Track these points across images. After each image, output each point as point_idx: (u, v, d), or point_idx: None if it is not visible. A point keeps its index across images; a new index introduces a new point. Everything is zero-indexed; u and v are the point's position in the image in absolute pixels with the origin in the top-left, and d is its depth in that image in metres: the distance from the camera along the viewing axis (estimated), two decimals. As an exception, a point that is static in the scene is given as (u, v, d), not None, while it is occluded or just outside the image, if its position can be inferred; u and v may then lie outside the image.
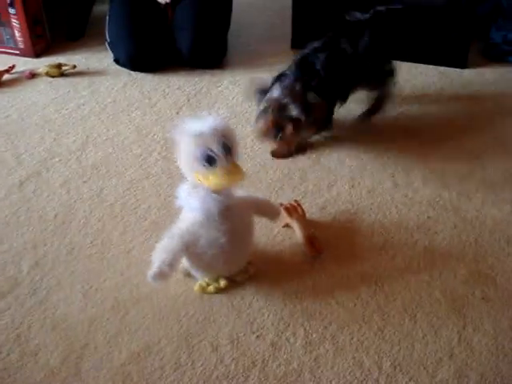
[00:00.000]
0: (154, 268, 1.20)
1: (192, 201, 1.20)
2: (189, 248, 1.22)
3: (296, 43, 2.24)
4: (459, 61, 2.14)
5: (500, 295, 1.31)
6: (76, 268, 1.41)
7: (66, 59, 2.21)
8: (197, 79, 2.09)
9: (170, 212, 1.53)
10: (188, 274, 1.34)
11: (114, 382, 1.17)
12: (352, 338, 1.23)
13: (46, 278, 1.38)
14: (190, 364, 1.19)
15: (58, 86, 2.08)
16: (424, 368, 1.17)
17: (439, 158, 1.71)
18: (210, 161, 1.13)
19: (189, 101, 1.98)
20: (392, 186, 1.62)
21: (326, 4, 2.23)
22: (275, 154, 1.73)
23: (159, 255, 1.21)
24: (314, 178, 1.65)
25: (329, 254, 1.41)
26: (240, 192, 1.29)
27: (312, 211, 1.54)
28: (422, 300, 1.31)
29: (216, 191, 1.19)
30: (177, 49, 2.10)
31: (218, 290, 1.31)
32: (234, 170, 1.16)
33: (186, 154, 1.16)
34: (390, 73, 1.80)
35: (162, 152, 1.76)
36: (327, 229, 1.49)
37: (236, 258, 1.30)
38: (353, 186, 1.62)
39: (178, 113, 1.93)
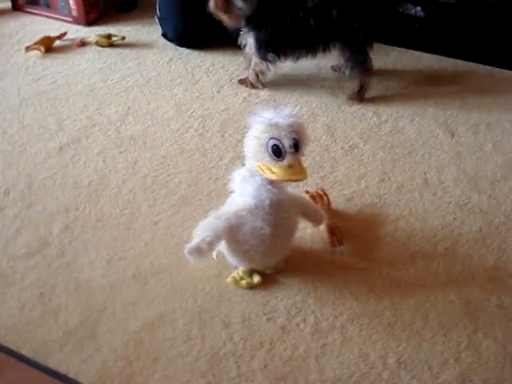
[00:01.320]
0: (192, 242, 1.21)
1: (246, 186, 1.21)
2: (232, 232, 1.22)
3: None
4: (509, 62, 2.09)
5: (516, 304, 1.30)
6: (103, 235, 1.46)
7: (116, 30, 2.26)
8: (242, 59, 2.10)
9: (200, 189, 1.58)
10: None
11: (126, 346, 1.22)
12: (361, 331, 1.25)
13: (74, 241, 1.44)
14: (200, 338, 1.23)
15: (106, 55, 2.13)
16: (428, 368, 1.18)
17: (474, 160, 1.68)
18: (278, 153, 1.14)
19: (231, 80, 2.01)
20: (422, 183, 1.61)
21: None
22: (242, 82, 1.94)
23: (201, 232, 1.22)
24: (345, 168, 1.65)
25: (349, 246, 1.42)
26: (291, 190, 1.30)
27: (338, 201, 1.55)
28: (436, 300, 1.31)
29: (272, 183, 1.20)
30: (225, 27, 2.12)
31: (251, 286, 1.32)
32: (299, 168, 1.16)
33: (256, 142, 1.17)
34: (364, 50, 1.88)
35: (199, 129, 1.79)
36: (351, 220, 1.50)
37: (275, 252, 1.30)
38: (382, 180, 1.62)
39: (218, 91, 1.95)
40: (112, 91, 1.95)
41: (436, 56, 2.12)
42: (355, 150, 1.72)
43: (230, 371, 1.18)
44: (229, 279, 1.33)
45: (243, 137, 1.71)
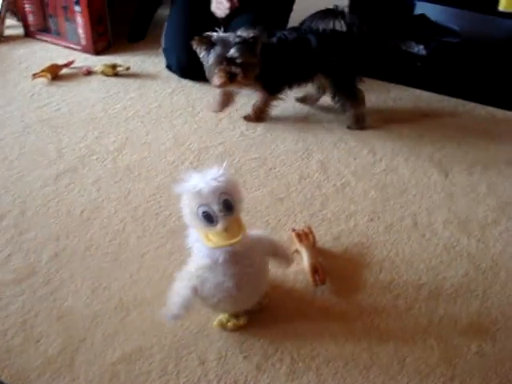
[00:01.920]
0: (168, 310, 1.21)
1: (200, 245, 1.18)
2: (197, 290, 1.21)
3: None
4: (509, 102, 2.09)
5: (496, 352, 1.29)
6: (90, 264, 1.48)
7: (123, 60, 2.31)
8: (242, 93, 2.13)
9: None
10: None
11: (102, 378, 1.23)
12: (336, 373, 1.24)
13: (61, 270, 1.47)
14: (175, 373, 1.24)
15: (110, 85, 2.18)
16: (401, 414, 1.18)
17: (466, 202, 1.68)
18: (209, 219, 1.11)
19: (230, 114, 2.04)
20: (411, 224, 1.61)
21: (378, 31, 2.23)
22: (247, 118, 1.98)
23: (173, 297, 1.21)
24: (335, 206, 1.66)
25: (332, 285, 1.43)
26: (256, 232, 1.28)
27: (325, 240, 1.56)
28: (415, 345, 1.30)
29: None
30: None
31: (237, 327, 1.31)
32: (235, 230, 1.13)
33: (188, 210, 1.14)
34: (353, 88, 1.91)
35: (194, 162, 1.81)
36: (336, 259, 1.50)
37: (245, 299, 1.27)
38: (372, 220, 1.62)
39: (217, 125, 1.98)
40: (112, 121, 1.99)
41: (436, 95, 2.13)
42: (347, 188, 1.73)
43: (202, 409, 1.18)
44: (215, 322, 1.31)
45: (236, 170, 1.77)
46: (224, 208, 1.11)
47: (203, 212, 1.11)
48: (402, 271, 1.47)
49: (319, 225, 1.59)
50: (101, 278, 1.45)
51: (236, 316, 1.31)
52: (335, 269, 1.47)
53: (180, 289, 1.21)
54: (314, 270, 1.43)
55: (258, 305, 1.34)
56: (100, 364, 1.26)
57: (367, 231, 1.59)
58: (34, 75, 2.16)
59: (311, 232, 1.52)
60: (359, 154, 1.86)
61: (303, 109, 2.07)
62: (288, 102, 2.07)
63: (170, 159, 1.82)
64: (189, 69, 2.16)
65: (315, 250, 1.48)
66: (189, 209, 1.13)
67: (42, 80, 2.17)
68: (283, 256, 1.33)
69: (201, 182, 1.11)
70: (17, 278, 1.44)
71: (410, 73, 2.19)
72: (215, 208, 1.10)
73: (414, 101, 2.11)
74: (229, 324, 1.31)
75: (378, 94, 2.14)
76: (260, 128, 1.97)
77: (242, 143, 1.90)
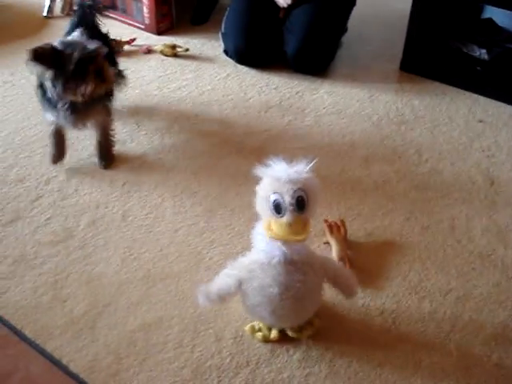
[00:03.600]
0: (204, 291, 1.21)
1: (259, 241, 1.16)
2: (242, 284, 1.19)
3: (405, 65, 2.22)
4: None
5: (517, 366, 1.26)
6: (125, 234, 1.53)
7: (183, 41, 2.35)
8: (296, 83, 2.14)
9: (225, 203, 1.62)
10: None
11: (120, 343, 1.27)
12: (349, 367, 1.24)
13: (96, 236, 1.52)
14: (190, 347, 1.27)
15: (167, 65, 2.23)
16: (409, 415, 1.16)
17: (508, 212, 1.63)
18: (278, 209, 1.08)
19: (281, 102, 2.04)
20: (448, 228, 1.57)
21: (442, 32, 2.19)
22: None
23: (215, 281, 1.21)
24: (373, 202, 1.65)
25: (357, 279, 1.40)
26: (325, 256, 1.28)
27: (358, 235, 1.54)
28: (433, 348, 1.28)
29: (285, 241, 1.12)
30: (284, 51, 2.16)
31: (266, 340, 1.27)
32: (297, 228, 1.09)
33: (261, 195, 1.12)
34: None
35: (238, 147, 1.83)
36: (366, 255, 1.49)
37: (285, 313, 1.21)
38: (408, 219, 1.60)
39: (266, 112, 1.99)
40: (165, 99, 2.03)
41: (494, 101, 2.07)
42: (387, 186, 1.70)
43: (211, 384, 1.21)
44: (247, 327, 1.29)
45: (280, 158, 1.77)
46: (296, 203, 1.07)
47: (274, 200, 1.08)
48: (431, 274, 1.45)
49: (354, 219, 1.58)
50: (132, 248, 1.49)
51: (269, 328, 1.27)
52: (363, 264, 1.46)
53: (226, 276, 1.20)
54: (341, 262, 1.42)
55: (297, 332, 1.28)
56: (120, 330, 1.30)
57: (402, 230, 1.57)
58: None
59: (343, 225, 1.51)
60: (405, 153, 1.83)
61: (353, 104, 2.05)
62: (338, 97, 2.07)
63: (215, 141, 1.85)
64: (245, 55, 2.18)
65: (345, 243, 1.48)
66: (263, 193, 1.11)
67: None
68: (345, 288, 1.27)
69: (283, 170, 1.09)
70: (54, 240, 1.51)
71: (469, 76, 2.13)
72: (287, 200, 1.07)
73: (469, 105, 2.06)
74: (258, 333, 1.27)
75: (432, 95, 2.10)
76: (308, 119, 1.96)
77: (288, 132, 1.90)
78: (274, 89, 2.11)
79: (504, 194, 1.69)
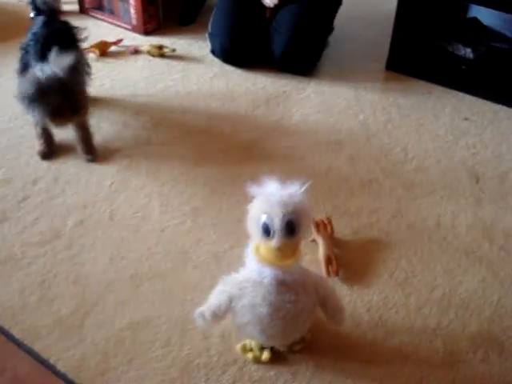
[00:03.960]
0: (201, 309, 1.18)
1: (251, 260, 1.12)
2: (232, 301, 1.15)
3: (391, 64, 2.24)
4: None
5: (502, 361, 1.26)
6: (112, 234, 1.53)
7: (170, 42, 2.36)
8: (283, 82, 2.15)
9: (212, 203, 1.62)
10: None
11: (108, 342, 1.27)
12: (335, 363, 1.25)
13: (84, 236, 1.52)
14: (178, 345, 1.27)
15: (154, 65, 2.23)
16: (396, 410, 1.17)
17: (494, 209, 1.64)
18: (266, 231, 1.05)
19: (268, 102, 2.05)
20: (434, 225, 1.59)
21: (427, 31, 2.20)
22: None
23: (210, 299, 1.18)
24: (359, 200, 1.66)
25: (344, 278, 1.43)
26: (319, 276, 1.24)
27: (345, 232, 1.55)
28: (420, 345, 1.29)
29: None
30: (271, 51, 2.17)
31: (257, 361, 1.24)
32: (286, 253, 1.08)
33: (252, 213, 1.09)
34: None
35: (224, 146, 1.84)
36: (352, 253, 1.50)
37: (274, 334, 1.17)
38: (394, 217, 1.61)
39: (253, 111, 2.00)
40: (152, 99, 2.04)
41: (478, 99, 2.09)
42: (374, 184, 1.72)
43: (199, 382, 1.21)
44: (238, 345, 1.25)
45: (265, 158, 1.78)
46: (285, 227, 1.04)
47: (264, 222, 1.05)
48: (417, 271, 1.46)
49: (341, 217, 1.59)
50: (120, 247, 1.49)
51: (261, 348, 1.24)
52: (350, 262, 1.47)
53: (219, 292, 1.17)
54: (329, 261, 1.43)
55: (287, 348, 1.26)
56: (108, 329, 1.30)
57: (388, 228, 1.58)
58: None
59: (330, 223, 1.52)
60: (391, 151, 1.85)
61: (339, 103, 2.06)
62: (325, 96, 2.08)
63: (202, 140, 1.85)
64: (231, 54, 2.19)
65: (332, 241, 1.49)
66: (253, 213, 1.08)
67: (90, 55, 2.23)
68: (333, 313, 1.21)
69: (275, 191, 1.06)
70: (41, 240, 1.51)
71: (454, 75, 2.14)
72: (277, 223, 1.04)
73: (454, 103, 2.08)
74: (249, 354, 1.24)
75: (418, 94, 2.12)
76: (295, 117, 1.97)
77: (275, 131, 1.91)
78: (261, 88, 2.12)
79: (489, 192, 1.71)
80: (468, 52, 2.16)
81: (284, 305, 1.12)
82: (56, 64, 1.52)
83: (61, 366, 1.23)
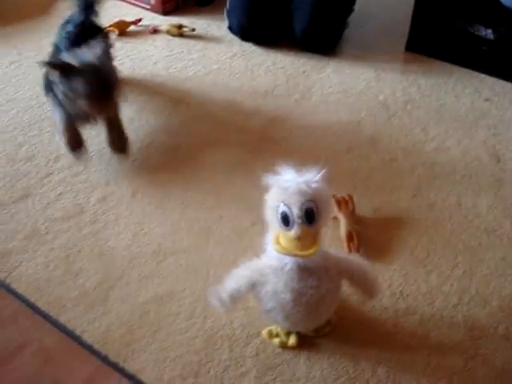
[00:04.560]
0: (217, 290, 1.16)
1: (271, 249, 1.11)
2: (255, 287, 1.14)
3: (411, 45, 2.22)
4: None
5: (524, 337, 1.27)
6: (135, 210, 1.54)
7: (189, 22, 2.35)
8: (302, 62, 2.14)
9: (232, 180, 1.63)
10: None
11: (132, 315, 1.29)
12: (358, 337, 1.26)
13: (107, 212, 1.54)
14: (201, 318, 1.29)
15: (174, 45, 2.23)
16: (417, 383, 1.18)
17: (515, 189, 1.65)
18: (285, 221, 1.04)
19: (287, 82, 2.05)
20: (455, 204, 1.59)
21: (448, 12, 2.18)
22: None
23: (227, 281, 1.16)
24: (380, 179, 1.66)
25: (366, 254, 1.43)
26: (339, 254, 1.20)
27: (366, 210, 1.56)
28: (441, 320, 1.30)
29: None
30: (291, 28, 2.16)
31: (284, 346, 1.23)
32: (306, 242, 1.06)
33: (269, 203, 1.07)
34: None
35: (242, 124, 1.84)
36: (374, 230, 1.50)
37: (299, 320, 1.16)
38: (415, 196, 1.61)
39: (273, 90, 2.00)
40: (171, 79, 2.04)
41: (499, 80, 2.08)
42: (394, 163, 1.72)
43: (223, 353, 1.22)
44: (265, 331, 1.25)
45: (285, 137, 1.79)
46: (304, 215, 1.02)
47: (282, 211, 1.03)
48: (438, 248, 1.46)
49: (361, 195, 1.59)
50: (143, 223, 1.51)
51: (287, 333, 1.23)
52: (371, 239, 1.48)
53: (239, 276, 1.15)
54: (350, 237, 1.44)
55: (314, 332, 1.25)
56: (132, 302, 1.32)
57: (409, 206, 1.58)
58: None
59: (351, 200, 1.52)
60: (411, 131, 1.84)
61: (359, 83, 2.06)
62: (344, 76, 2.08)
63: (222, 119, 1.86)
64: (248, 31, 2.18)
65: (353, 219, 1.49)
66: (271, 203, 1.06)
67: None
68: (363, 287, 1.20)
69: (292, 179, 1.04)
70: (65, 215, 1.53)
71: (475, 56, 2.13)
72: (295, 212, 1.02)
73: (475, 84, 2.07)
74: (275, 339, 1.23)
75: (438, 75, 2.11)
76: (315, 97, 1.97)
77: (295, 110, 1.91)
78: (281, 68, 2.12)
79: (510, 172, 1.70)
80: (489, 33, 2.14)
81: (306, 290, 1.10)
82: (90, 51, 1.50)
83: (86, 338, 1.25)
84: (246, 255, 1.39)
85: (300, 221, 1.03)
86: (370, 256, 1.43)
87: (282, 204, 1.03)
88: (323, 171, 1.06)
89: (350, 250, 1.43)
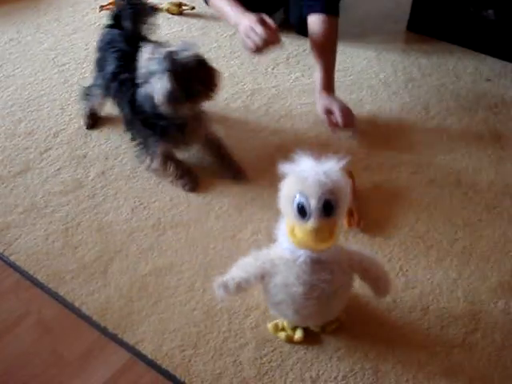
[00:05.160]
0: (223, 277, 1.12)
1: (284, 237, 1.05)
2: (264, 279, 1.11)
3: (412, 25, 2.21)
4: None
5: (523, 311, 1.27)
6: (134, 185, 1.54)
7: (188, 0, 2.33)
8: (302, 41, 2.12)
9: (234, 157, 1.62)
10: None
11: (132, 287, 1.29)
12: (359, 309, 1.25)
13: (106, 186, 1.53)
14: (201, 291, 1.29)
15: (173, 23, 2.22)
16: (416, 357, 1.18)
17: (515, 166, 1.64)
18: (301, 212, 0.98)
19: (288, 60, 2.04)
20: (455, 181, 1.58)
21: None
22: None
23: (236, 269, 1.12)
24: (380, 156, 1.65)
25: (366, 229, 1.43)
26: (354, 249, 1.14)
27: (367, 186, 1.55)
28: (441, 294, 1.30)
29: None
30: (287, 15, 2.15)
31: (290, 340, 1.20)
32: (323, 235, 1.00)
33: (285, 192, 1.02)
34: None
35: (246, 101, 1.84)
36: (374, 206, 1.50)
37: (310, 314, 1.13)
38: (415, 172, 1.60)
39: (273, 68, 1.99)
40: (172, 56, 2.03)
41: (500, 61, 2.07)
42: (394, 140, 1.71)
43: (222, 325, 1.22)
44: (270, 324, 1.22)
45: (287, 113, 1.78)
46: (322, 207, 0.96)
47: (299, 202, 0.97)
48: (438, 224, 1.46)
49: (362, 172, 1.59)
50: (142, 198, 1.50)
51: (294, 328, 1.21)
52: (372, 214, 1.47)
53: (248, 265, 1.11)
54: (350, 213, 1.44)
55: (320, 328, 1.22)
56: (131, 274, 1.32)
57: (409, 183, 1.57)
58: (102, 7, 2.22)
59: (352, 176, 1.51)
60: (413, 109, 1.83)
61: (360, 62, 2.05)
62: (345, 56, 2.06)
63: (224, 96, 1.84)
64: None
65: (353, 195, 1.48)
66: (287, 192, 1.01)
67: (108, 12, 2.22)
68: (375, 283, 1.14)
69: (311, 169, 0.98)
70: (64, 189, 1.52)
71: (476, 36, 2.12)
72: (313, 203, 0.96)
73: (476, 64, 2.06)
74: (281, 333, 1.20)
75: (439, 55, 2.10)
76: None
77: (295, 88, 1.90)
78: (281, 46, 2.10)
79: (510, 150, 1.70)
80: (490, 13, 2.13)
81: (319, 284, 1.06)
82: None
83: (85, 309, 1.25)
84: (246, 230, 1.41)
85: (318, 213, 0.97)
86: (370, 231, 1.43)
87: (298, 195, 0.98)
88: (343, 162, 1.00)
89: (351, 225, 1.42)
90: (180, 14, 2.25)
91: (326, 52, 1.71)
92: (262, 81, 1.93)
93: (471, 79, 1.98)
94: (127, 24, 1.60)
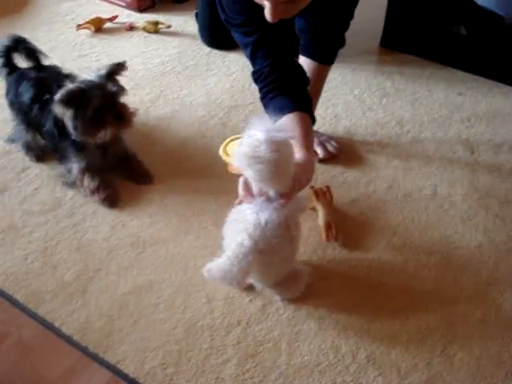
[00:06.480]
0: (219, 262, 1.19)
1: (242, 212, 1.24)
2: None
3: (386, 42, 2.26)
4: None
5: (499, 322, 1.29)
6: (113, 203, 1.54)
7: (165, 18, 2.35)
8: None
9: (212, 172, 1.63)
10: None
11: (112, 306, 1.29)
12: (337, 324, 1.27)
13: (85, 205, 1.53)
14: (181, 308, 1.29)
15: (150, 41, 2.23)
16: (397, 368, 1.19)
17: (489, 179, 1.67)
18: None
19: (264, 77, 2.06)
20: (431, 194, 1.61)
21: (421, 9, 2.21)
22: None
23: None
24: (356, 171, 1.68)
25: (344, 243, 1.45)
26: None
27: (343, 201, 1.57)
28: (418, 306, 1.32)
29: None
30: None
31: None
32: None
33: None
34: None
35: (224, 118, 1.85)
36: (351, 220, 1.52)
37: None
38: (391, 187, 1.63)
39: (250, 85, 2.00)
40: (149, 74, 2.04)
41: (472, 75, 2.12)
42: (370, 156, 1.74)
43: (204, 343, 1.22)
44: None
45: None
46: None
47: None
48: (415, 237, 1.48)
49: (339, 187, 1.61)
50: (121, 216, 1.50)
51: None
52: (349, 229, 1.49)
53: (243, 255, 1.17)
54: (328, 226, 1.46)
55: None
56: (111, 293, 1.32)
57: (385, 197, 1.60)
58: (79, 26, 2.23)
59: (329, 191, 1.54)
60: (387, 124, 1.87)
61: (335, 78, 2.08)
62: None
63: (201, 114, 1.86)
64: (212, 37, 2.17)
65: (331, 209, 1.51)
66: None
67: (85, 31, 2.24)
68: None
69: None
70: (42, 209, 1.52)
71: (448, 52, 2.17)
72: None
73: (448, 79, 2.10)
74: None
75: (412, 70, 2.14)
76: (291, 92, 1.99)
77: (272, 105, 1.92)
78: (257, 64, 2.12)
79: (484, 163, 1.73)
80: (461, 29, 2.18)
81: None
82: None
83: (66, 329, 1.24)
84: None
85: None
86: (348, 245, 1.45)
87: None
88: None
89: (329, 239, 1.44)
90: (156, 32, 2.26)
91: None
92: (239, 98, 1.95)
93: (444, 94, 2.03)
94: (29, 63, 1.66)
